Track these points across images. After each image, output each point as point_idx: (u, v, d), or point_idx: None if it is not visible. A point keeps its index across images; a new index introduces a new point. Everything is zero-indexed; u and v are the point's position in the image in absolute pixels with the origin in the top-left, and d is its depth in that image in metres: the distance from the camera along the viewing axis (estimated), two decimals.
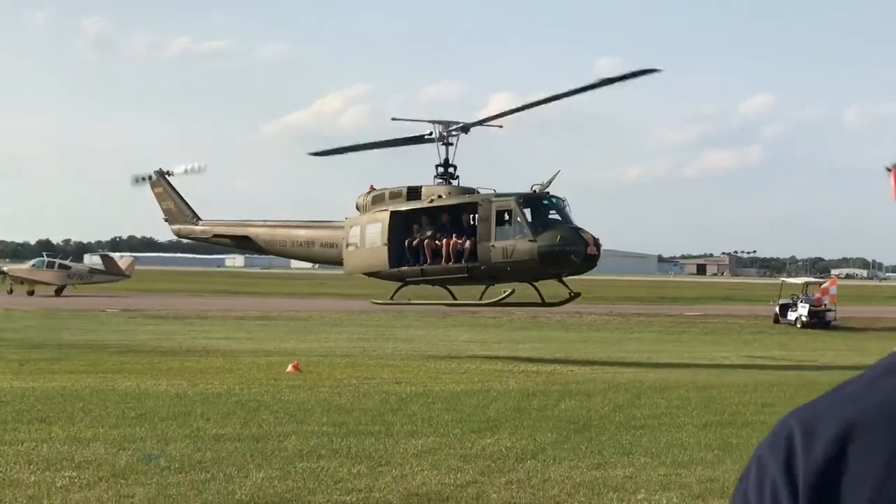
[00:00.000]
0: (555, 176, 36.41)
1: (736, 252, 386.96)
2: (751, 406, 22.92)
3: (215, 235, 45.90)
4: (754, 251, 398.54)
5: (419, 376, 30.28)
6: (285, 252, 43.59)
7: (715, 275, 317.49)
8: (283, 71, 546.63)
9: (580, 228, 35.65)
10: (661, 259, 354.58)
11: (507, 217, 35.63)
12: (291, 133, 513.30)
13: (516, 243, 35.01)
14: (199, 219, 46.15)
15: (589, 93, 36.95)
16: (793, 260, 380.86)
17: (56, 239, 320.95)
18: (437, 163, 38.66)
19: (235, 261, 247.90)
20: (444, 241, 36.66)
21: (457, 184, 38.42)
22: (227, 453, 15.83)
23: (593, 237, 35.50)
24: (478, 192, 37.69)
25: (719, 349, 46.00)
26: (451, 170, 38.57)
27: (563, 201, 36.31)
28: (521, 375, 31.64)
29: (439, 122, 38.50)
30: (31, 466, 14.53)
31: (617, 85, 36.67)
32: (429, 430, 18.79)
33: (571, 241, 34.75)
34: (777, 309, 66.80)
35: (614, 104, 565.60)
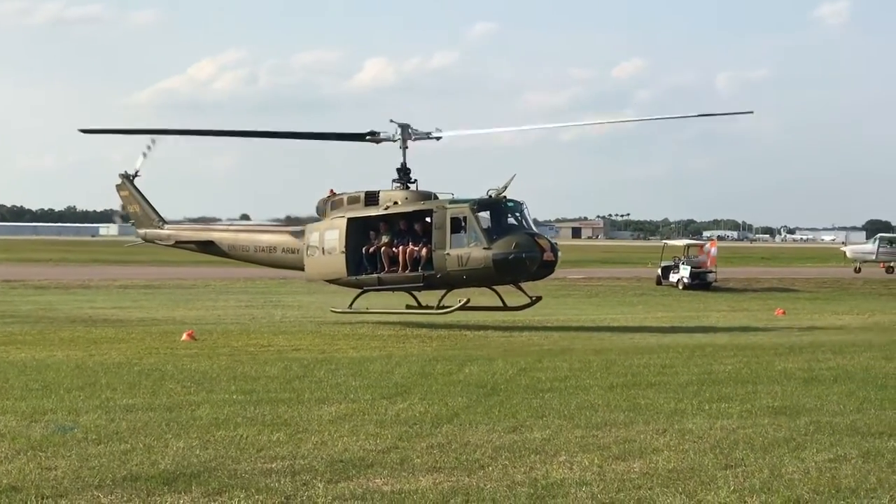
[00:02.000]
0: (510, 180, 36.02)
1: (610, 215, 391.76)
2: (651, 368, 23.22)
3: (178, 242, 44.36)
4: (628, 214, 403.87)
5: (316, 343, 30.29)
6: (248, 257, 42.08)
7: (590, 238, 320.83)
8: (155, 37, 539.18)
9: (536, 234, 35.52)
10: (537, 223, 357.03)
11: (462, 224, 35.07)
12: (164, 100, 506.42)
13: (471, 251, 34.58)
14: (165, 222, 44.75)
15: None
16: (666, 222, 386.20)
17: None
18: (397, 167, 37.82)
19: (110, 230, 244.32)
20: (401, 248, 36.03)
21: (415, 188, 37.71)
22: (142, 423, 15.67)
23: (550, 243, 35.40)
24: (435, 198, 36.99)
25: (606, 311, 46.59)
26: (408, 173, 37.74)
27: (521, 205, 35.95)
28: (417, 340, 31.80)
29: (402, 125, 37.59)
30: None
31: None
32: (339, 396, 18.78)
33: (527, 247, 34.46)
34: (659, 271, 67.84)
35: (486, 67, 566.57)
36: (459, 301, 36.22)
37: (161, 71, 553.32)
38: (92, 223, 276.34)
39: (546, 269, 35.62)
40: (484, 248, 34.46)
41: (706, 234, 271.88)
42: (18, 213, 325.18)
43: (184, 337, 30.45)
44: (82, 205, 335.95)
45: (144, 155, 44.57)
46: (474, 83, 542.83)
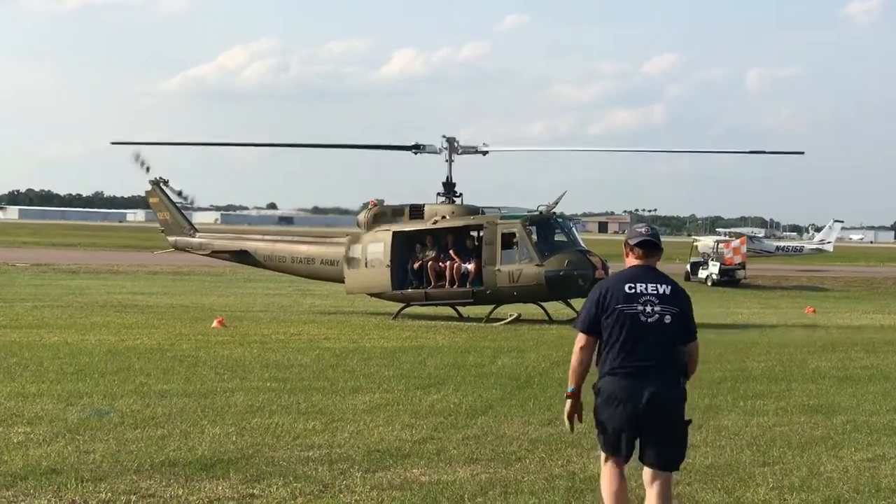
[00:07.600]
0: (561, 197, 36.00)
1: (637, 210, 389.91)
2: None
3: (214, 252, 44.22)
4: (655, 209, 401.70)
5: (345, 332, 30.20)
6: (284, 268, 41.64)
7: (616, 232, 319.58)
8: (185, 24, 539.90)
9: (588, 251, 35.27)
10: (564, 217, 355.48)
11: (513, 240, 34.97)
12: (193, 87, 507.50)
13: (523, 268, 34.39)
14: (196, 230, 44.64)
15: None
16: (693, 218, 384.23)
17: None
18: (442, 180, 37.57)
19: (137, 215, 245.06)
20: (449, 263, 35.70)
21: (460, 201, 37.53)
22: (177, 409, 15.70)
23: (601, 260, 35.02)
24: (482, 212, 36.85)
25: None
26: (453, 187, 37.50)
27: (570, 221, 35.96)
28: (448, 331, 31.70)
29: (449, 139, 37.46)
30: None
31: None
32: (372, 385, 18.79)
33: (579, 265, 34.28)
34: (688, 267, 67.67)
35: (516, 59, 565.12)
36: (510, 315, 35.63)
37: (190, 59, 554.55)
38: (119, 209, 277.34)
39: None
40: (536, 266, 34.30)
41: (733, 230, 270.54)
42: (47, 198, 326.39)
43: (214, 324, 30.44)
44: (110, 190, 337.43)
45: (147, 170, 44.30)
46: (503, 75, 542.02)
